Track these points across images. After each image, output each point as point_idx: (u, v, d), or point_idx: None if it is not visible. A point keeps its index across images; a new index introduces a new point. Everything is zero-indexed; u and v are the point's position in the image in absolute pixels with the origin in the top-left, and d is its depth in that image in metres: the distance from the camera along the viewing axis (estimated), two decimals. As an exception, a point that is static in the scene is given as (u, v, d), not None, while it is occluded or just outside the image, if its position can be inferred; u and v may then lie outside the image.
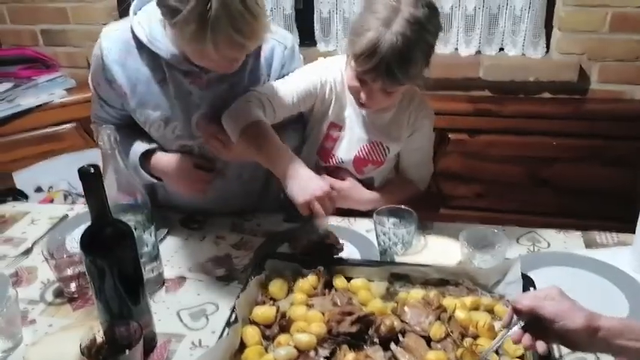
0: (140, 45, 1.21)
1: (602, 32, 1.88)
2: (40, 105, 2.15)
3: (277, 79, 1.33)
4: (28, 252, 1.33)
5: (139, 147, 1.33)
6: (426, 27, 1.16)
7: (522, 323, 0.86)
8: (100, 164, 0.99)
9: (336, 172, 1.45)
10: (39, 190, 2.17)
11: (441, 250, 1.26)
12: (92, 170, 0.88)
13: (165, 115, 1.27)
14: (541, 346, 0.84)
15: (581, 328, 0.80)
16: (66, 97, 2.22)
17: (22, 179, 2.15)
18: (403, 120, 1.40)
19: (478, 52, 2.02)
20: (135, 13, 1.23)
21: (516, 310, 0.86)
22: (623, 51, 1.89)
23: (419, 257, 1.23)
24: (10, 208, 1.55)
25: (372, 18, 1.16)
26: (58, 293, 1.18)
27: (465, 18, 1.96)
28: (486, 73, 1.97)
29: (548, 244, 1.31)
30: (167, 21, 1.08)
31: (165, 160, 1.34)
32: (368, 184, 1.46)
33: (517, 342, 0.87)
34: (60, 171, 2.16)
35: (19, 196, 2.10)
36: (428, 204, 2.08)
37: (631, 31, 1.86)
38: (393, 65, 1.15)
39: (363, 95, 1.26)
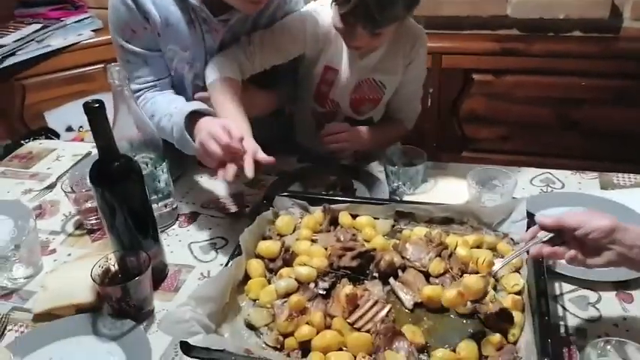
0: None
1: (639, -35, 1.76)
2: (69, 45, 2.20)
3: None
4: (51, 186, 1.40)
5: (187, 106, 1.19)
6: None
7: (545, 237, 0.86)
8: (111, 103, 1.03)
9: (334, 115, 1.44)
10: (69, 129, 2.25)
11: (450, 191, 1.26)
12: (96, 105, 0.90)
13: (192, 55, 1.28)
14: (565, 252, 0.83)
15: (604, 227, 0.79)
16: (94, 37, 2.26)
17: (53, 119, 2.23)
18: (398, 51, 1.35)
19: (506, -12, 1.93)
20: None
21: (542, 226, 0.86)
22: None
23: (428, 197, 1.24)
24: (37, 145, 1.62)
25: None
26: (79, 225, 1.25)
27: (493, -50, 1.86)
28: (514, 11, 1.89)
29: (563, 185, 1.29)
30: None
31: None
32: (368, 124, 1.44)
33: (537, 255, 0.87)
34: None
35: (51, 135, 2.19)
36: (450, 146, 2.07)
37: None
38: (372, 7, 1.12)
39: (351, 42, 1.25)
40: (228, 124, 1.04)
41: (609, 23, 1.85)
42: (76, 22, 2.28)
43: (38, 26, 2.21)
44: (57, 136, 2.22)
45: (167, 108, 1.21)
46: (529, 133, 1.96)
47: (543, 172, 1.33)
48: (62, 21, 2.26)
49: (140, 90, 1.27)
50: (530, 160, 1.94)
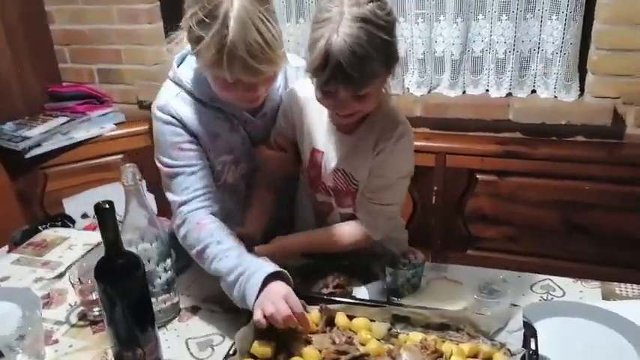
0: (203, 103, 1.27)
1: (638, 76, 1.84)
2: (91, 138, 2.33)
3: None
4: (61, 275, 1.43)
5: (266, 267, 1.14)
6: (373, 21, 1.09)
7: None
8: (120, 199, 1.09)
9: (331, 208, 1.37)
10: (85, 216, 2.33)
11: (448, 294, 1.26)
12: (106, 206, 0.96)
13: (236, 157, 1.34)
14: None
15: None
16: (115, 130, 2.39)
17: (71, 205, 2.32)
18: (365, 142, 1.26)
19: (509, 94, 2.02)
20: (178, 81, 1.27)
21: None
22: (660, 95, 1.84)
23: (427, 299, 1.24)
24: (51, 233, 1.68)
25: (320, 29, 1.11)
26: (82, 316, 1.27)
27: (495, 61, 1.97)
28: (516, 116, 1.97)
29: (564, 293, 1.28)
30: (193, 51, 1.16)
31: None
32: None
33: None
34: (105, 198, 2.29)
35: (67, 221, 2.26)
36: (455, 244, 2.08)
37: (669, 76, 1.81)
38: (347, 68, 1.08)
39: (336, 110, 1.19)
40: (289, 295, 1.08)
41: (612, 130, 1.91)
42: (100, 115, 2.43)
43: (65, 119, 2.36)
44: (72, 222, 2.29)
45: (234, 259, 1.16)
46: (534, 235, 1.97)
47: (544, 279, 1.32)
48: (87, 115, 2.41)
49: (187, 201, 1.23)
50: (535, 261, 1.94)
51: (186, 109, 1.25)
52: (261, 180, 1.39)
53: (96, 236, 1.63)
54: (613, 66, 1.86)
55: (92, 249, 1.55)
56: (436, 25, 1.99)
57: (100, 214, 0.97)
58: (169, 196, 1.26)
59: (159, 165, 1.28)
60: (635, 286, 1.28)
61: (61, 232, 1.70)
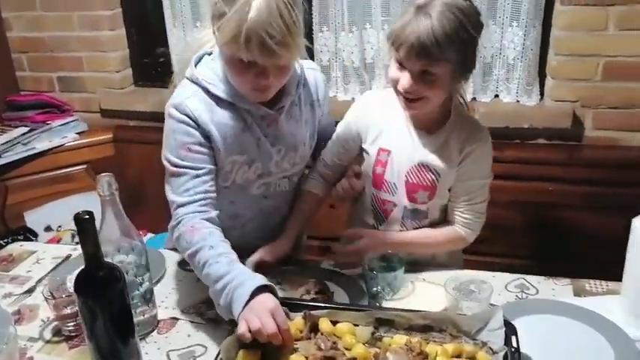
0: (218, 101, 1.28)
1: (595, 80, 1.92)
2: (53, 148, 2.25)
3: (325, 101, 1.46)
4: (31, 290, 1.38)
5: (257, 279, 1.12)
6: (464, 12, 1.22)
7: None
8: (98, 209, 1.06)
9: (393, 206, 1.43)
10: (48, 229, 2.25)
11: (428, 296, 1.28)
12: (86, 216, 0.93)
13: (250, 157, 1.34)
14: None
15: None
16: (78, 140, 2.33)
17: (33, 218, 2.24)
18: (452, 142, 1.37)
19: (474, 99, 2.07)
20: (195, 79, 1.29)
21: None
22: (616, 98, 1.93)
23: (407, 302, 1.26)
24: (17, 247, 1.62)
25: (410, 7, 1.24)
26: (57, 331, 1.23)
27: (460, 67, 2.02)
28: (481, 120, 2.00)
29: (537, 291, 1.32)
30: (214, 28, 1.18)
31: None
32: (422, 217, 1.43)
33: None
34: (70, 210, 2.21)
35: (29, 234, 2.18)
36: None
37: (623, 79, 1.90)
38: (426, 40, 1.18)
39: (403, 80, 1.26)
40: (276, 311, 1.06)
41: (572, 132, 1.99)
42: (61, 125, 2.36)
43: (25, 129, 2.28)
44: (35, 235, 2.21)
45: (225, 266, 1.14)
46: (503, 236, 2.02)
47: (518, 278, 1.36)
48: (48, 124, 2.33)
49: (186, 204, 1.23)
50: (505, 261, 1.99)
51: (201, 108, 1.26)
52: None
53: (65, 249, 1.59)
54: (571, 71, 1.93)
55: (62, 262, 1.50)
56: (403, 32, 2.02)
57: (79, 225, 0.94)
58: (169, 195, 1.26)
59: (165, 163, 1.27)
60: (603, 282, 1.34)
61: (28, 245, 1.64)
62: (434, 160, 1.37)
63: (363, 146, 1.44)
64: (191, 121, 1.25)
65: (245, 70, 1.18)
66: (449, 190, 1.41)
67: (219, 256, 1.15)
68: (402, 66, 1.26)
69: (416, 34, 1.19)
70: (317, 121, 1.45)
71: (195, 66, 1.30)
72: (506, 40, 1.97)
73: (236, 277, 1.11)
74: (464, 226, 1.42)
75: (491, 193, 1.98)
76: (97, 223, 1.07)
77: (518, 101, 2.03)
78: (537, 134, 2.03)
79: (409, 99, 1.29)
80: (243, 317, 1.05)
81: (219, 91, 1.27)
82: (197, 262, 1.17)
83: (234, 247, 1.21)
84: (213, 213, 1.25)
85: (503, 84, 2.04)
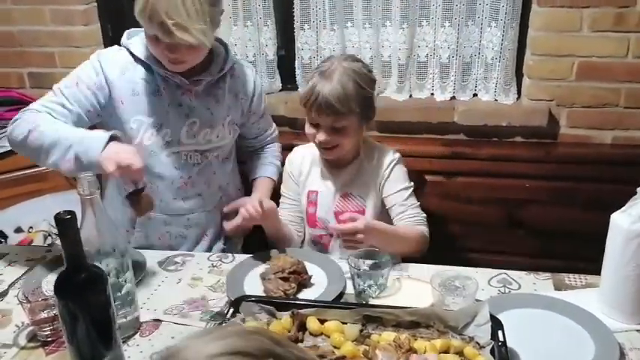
0: (136, 60, 1.47)
1: (570, 80, 1.96)
2: (24, 146, 2.17)
3: (252, 98, 1.63)
4: (3, 294, 1.33)
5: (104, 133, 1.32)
6: (358, 73, 1.46)
7: None
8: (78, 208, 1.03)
9: (323, 237, 1.63)
10: (19, 230, 2.17)
11: (415, 292, 1.29)
12: (68, 216, 0.90)
13: (159, 121, 1.48)
14: None
15: None
16: (50, 138, 2.25)
17: (2, 219, 2.15)
18: (367, 171, 1.58)
19: (453, 98, 2.09)
20: (124, 43, 1.50)
21: None
22: (590, 98, 1.96)
23: (394, 299, 1.26)
24: (-13, 250, 1.56)
25: (317, 74, 1.47)
26: (32, 337, 1.18)
27: (439, 65, 2.04)
28: (460, 118, 2.04)
29: (519, 286, 1.34)
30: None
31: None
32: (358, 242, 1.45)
33: None
34: (41, 211, 2.15)
35: (-2, 236, 2.10)
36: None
37: (597, 79, 1.94)
38: (331, 99, 1.41)
39: (319, 136, 1.48)
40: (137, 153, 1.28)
41: (548, 130, 2.02)
42: (32, 122, 2.28)
43: (-7, 127, 2.19)
44: (5, 237, 2.13)
45: (73, 128, 1.36)
46: (481, 232, 2.05)
47: (500, 273, 1.38)
48: (18, 121, 2.25)
49: (38, 110, 1.39)
50: (483, 257, 2.01)
51: (115, 61, 1.46)
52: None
53: (39, 251, 1.54)
54: (547, 70, 1.96)
55: (36, 264, 1.45)
56: (383, 30, 2.02)
57: (60, 225, 0.91)
58: (30, 105, 1.39)
59: (60, 83, 1.44)
60: (582, 275, 1.37)
61: (-2, 247, 1.59)
62: (354, 186, 1.59)
63: (299, 193, 1.65)
64: (98, 66, 1.44)
65: (156, 42, 1.35)
66: (383, 207, 1.59)
67: (64, 125, 1.35)
68: (315, 124, 1.49)
69: (322, 96, 1.42)
70: (241, 113, 1.62)
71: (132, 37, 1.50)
72: (484, 40, 1.99)
73: (89, 131, 1.35)
74: (420, 224, 1.57)
75: (470, 189, 2.02)
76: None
77: (496, 100, 2.05)
78: (514, 132, 2.05)
79: (326, 148, 1.51)
80: (108, 156, 1.24)
81: (139, 52, 1.46)
82: (40, 133, 1.32)
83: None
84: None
85: (481, 83, 2.06)
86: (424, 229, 1.57)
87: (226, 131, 1.58)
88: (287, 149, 1.80)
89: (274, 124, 1.84)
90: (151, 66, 1.46)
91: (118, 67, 1.46)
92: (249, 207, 1.43)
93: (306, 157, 1.65)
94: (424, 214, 1.60)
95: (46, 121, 1.35)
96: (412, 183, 1.61)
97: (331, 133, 1.47)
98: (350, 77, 1.44)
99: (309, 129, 1.52)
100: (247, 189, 1.77)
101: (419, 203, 1.60)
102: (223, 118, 1.56)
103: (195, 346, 0.52)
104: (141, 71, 1.47)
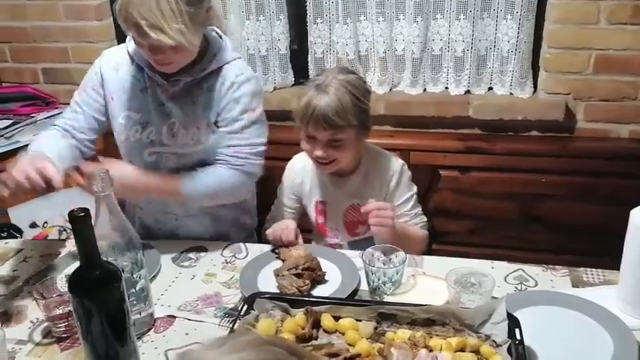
0: (131, 60, 1.48)
1: (587, 73, 1.93)
2: (39, 141, 2.19)
3: (229, 99, 1.46)
4: (18, 291, 1.34)
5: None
6: (353, 85, 1.45)
7: None
8: (92, 205, 1.03)
9: (334, 246, 1.59)
10: (34, 225, 2.19)
11: (430, 289, 1.27)
12: (82, 214, 0.90)
13: (145, 119, 1.48)
14: None
15: None
16: (63, 133, 2.26)
17: (17, 215, 2.16)
18: (374, 180, 1.59)
19: (468, 92, 2.06)
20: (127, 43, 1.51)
21: None
22: (607, 91, 1.94)
23: (408, 296, 1.24)
24: (2, 244, 1.57)
25: (312, 87, 1.44)
26: (47, 333, 1.19)
27: (454, 59, 2.01)
28: (476, 112, 2.01)
29: (536, 283, 1.32)
30: None
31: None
32: (367, 245, 1.44)
33: None
34: (56, 206, 2.17)
35: (13, 231, 2.12)
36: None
37: (615, 72, 1.91)
38: (328, 113, 1.40)
39: (317, 151, 1.47)
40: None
41: (564, 124, 1.99)
42: (46, 117, 2.29)
43: (8, 122, 2.21)
44: (20, 232, 2.15)
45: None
46: (495, 227, 2.03)
47: (517, 269, 1.36)
48: (33, 117, 2.27)
49: (56, 126, 1.53)
50: (497, 252, 1.99)
51: (112, 60, 1.50)
52: None
53: (54, 246, 1.54)
54: (563, 63, 1.94)
55: (51, 260, 1.46)
56: (396, 24, 2.00)
57: (74, 223, 0.91)
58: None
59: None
60: (600, 271, 1.34)
61: (13, 243, 1.59)
62: (361, 197, 1.55)
63: (303, 203, 1.65)
64: (97, 66, 1.51)
65: (139, 44, 1.34)
66: None
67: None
68: (312, 138, 1.47)
69: (319, 109, 1.40)
70: (216, 115, 1.46)
71: None
72: (500, 33, 1.96)
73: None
74: (423, 228, 1.63)
75: (485, 184, 2.00)
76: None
77: (511, 94, 2.03)
78: (530, 126, 2.03)
79: (323, 163, 1.50)
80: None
81: (132, 50, 1.47)
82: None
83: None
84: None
85: (497, 77, 2.03)
86: (426, 233, 1.63)
87: (201, 134, 1.46)
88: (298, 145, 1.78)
89: (260, 160, 1.50)
90: (139, 64, 1.47)
91: (114, 65, 1.49)
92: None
93: (307, 166, 1.62)
94: (425, 219, 1.64)
95: (40, 137, 1.52)
96: (415, 187, 1.61)
97: (328, 148, 1.46)
98: (346, 89, 1.43)
99: (305, 145, 1.51)
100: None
101: (421, 207, 1.64)
102: (197, 121, 1.46)
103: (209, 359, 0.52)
104: (133, 69, 1.49)
